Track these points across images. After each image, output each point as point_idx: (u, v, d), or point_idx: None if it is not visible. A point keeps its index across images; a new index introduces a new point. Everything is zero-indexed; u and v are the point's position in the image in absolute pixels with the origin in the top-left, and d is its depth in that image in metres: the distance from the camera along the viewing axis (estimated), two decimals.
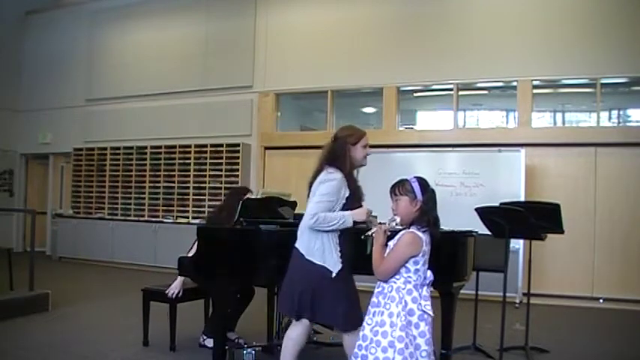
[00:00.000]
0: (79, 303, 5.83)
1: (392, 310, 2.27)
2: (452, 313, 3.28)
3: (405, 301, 2.28)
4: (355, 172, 2.97)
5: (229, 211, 3.99)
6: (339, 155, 2.88)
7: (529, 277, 4.51)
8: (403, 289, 2.30)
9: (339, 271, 2.78)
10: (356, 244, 2.69)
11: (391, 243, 2.37)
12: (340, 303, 2.78)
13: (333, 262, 2.79)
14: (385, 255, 2.35)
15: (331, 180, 2.81)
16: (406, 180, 2.42)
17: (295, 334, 2.89)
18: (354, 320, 2.74)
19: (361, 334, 2.35)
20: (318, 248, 2.79)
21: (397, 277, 2.32)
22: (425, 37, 7.54)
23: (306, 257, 2.81)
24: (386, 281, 2.34)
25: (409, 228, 2.35)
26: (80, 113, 10.19)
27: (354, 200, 2.86)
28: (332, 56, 8.09)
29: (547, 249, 6.20)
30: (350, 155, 2.89)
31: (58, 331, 4.65)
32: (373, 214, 2.91)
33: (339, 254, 2.81)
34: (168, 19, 9.43)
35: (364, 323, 2.37)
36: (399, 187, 2.41)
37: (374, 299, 2.38)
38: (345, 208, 2.82)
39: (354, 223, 2.81)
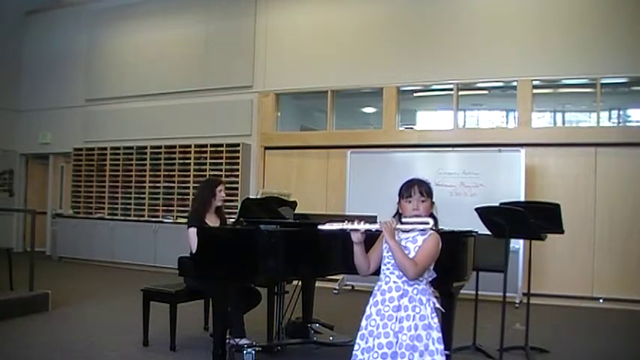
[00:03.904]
0: (79, 303, 5.83)
1: (423, 313, 2.20)
2: (452, 313, 3.28)
3: (432, 301, 2.25)
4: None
5: (202, 202, 4.21)
6: None
7: (529, 277, 4.51)
8: (427, 290, 2.26)
9: None
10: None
11: (409, 244, 2.26)
12: None
13: None
14: (415, 255, 2.23)
15: None
16: (424, 181, 2.34)
17: None
18: None
19: (385, 341, 2.17)
20: None
21: (420, 278, 2.24)
22: (425, 37, 7.54)
23: None
24: (409, 284, 2.23)
25: (425, 229, 2.29)
26: (80, 113, 10.19)
27: None
28: (332, 56, 8.09)
29: (547, 249, 6.19)
30: None
31: (58, 331, 4.65)
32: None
33: None
34: (168, 19, 9.42)
35: (387, 330, 2.19)
36: (426, 189, 2.31)
37: (395, 303, 2.21)
38: None
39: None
